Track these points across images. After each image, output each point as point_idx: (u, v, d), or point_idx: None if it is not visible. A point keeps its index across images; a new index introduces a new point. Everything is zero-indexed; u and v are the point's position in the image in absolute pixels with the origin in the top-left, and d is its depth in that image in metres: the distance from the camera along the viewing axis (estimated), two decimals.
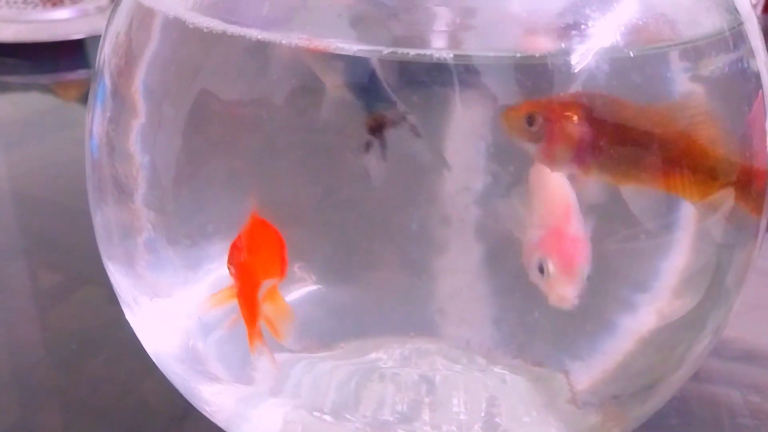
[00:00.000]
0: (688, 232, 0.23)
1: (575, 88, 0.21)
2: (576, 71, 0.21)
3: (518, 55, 0.21)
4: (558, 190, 0.21)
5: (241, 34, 0.21)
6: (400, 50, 0.20)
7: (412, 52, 0.20)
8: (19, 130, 0.61)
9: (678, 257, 0.23)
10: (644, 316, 0.24)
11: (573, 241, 0.21)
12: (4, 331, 0.38)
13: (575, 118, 0.20)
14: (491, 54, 0.21)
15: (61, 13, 0.77)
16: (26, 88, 0.72)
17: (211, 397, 0.26)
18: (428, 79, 0.21)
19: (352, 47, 0.21)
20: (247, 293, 0.22)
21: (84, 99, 0.24)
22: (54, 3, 0.78)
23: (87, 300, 0.40)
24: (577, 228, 0.21)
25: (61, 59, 0.74)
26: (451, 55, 0.21)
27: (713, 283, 0.24)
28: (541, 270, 0.21)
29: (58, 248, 0.45)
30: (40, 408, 0.32)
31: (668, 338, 0.24)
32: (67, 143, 0.57)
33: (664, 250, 0.23)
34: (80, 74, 0.73)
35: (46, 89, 0.72)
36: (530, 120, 0.20)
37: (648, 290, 0.23)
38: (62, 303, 0.40)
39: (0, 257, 0.44)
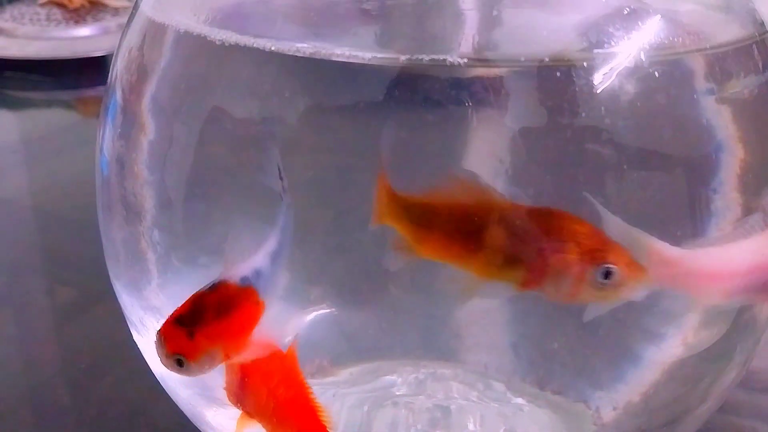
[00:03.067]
0: None
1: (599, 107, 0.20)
2: (598, 87, 0.20)
3: (538, 71, 0.20)
4: None
5: (254, 45, 0.21)
6: (417, 57, 0.20)
7: (426, 58, 0.20)
8: (41, 146, 0.62)
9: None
10: (670, 347, 0.23)
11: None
12: (19, 348, 0.38)
13: None
14: (510, 67, 0.21)
15: (83, 31, 0.78)
16: (48, 104, 0.72)
17: (216, 422, 0.26)
18: (444, 98, 0.21)
19: (366, 55, 0.20)
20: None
21: None
22: (76, 20, 0.79)
23: (101, 317, 0.40)
24: None
25: (82, 76, 0.75)
26: (465, 63, 0.20)
27: (741, 313, 0.23)
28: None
29: (75, 265, 0.45)
30: (50, 427, 0.32)
31: (695, 370, 0.24)
32: (88, 159, 0.57)
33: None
34: (101, 91, 0.73)
35: (67, 105, 0.72)
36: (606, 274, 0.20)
37: (674, 320, 0.23)
38: (76, 320, 0.40)
39: (18, 273, 0.44)
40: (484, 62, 0.21)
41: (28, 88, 0.73)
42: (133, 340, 0.27)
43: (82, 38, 0.77)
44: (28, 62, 0.73)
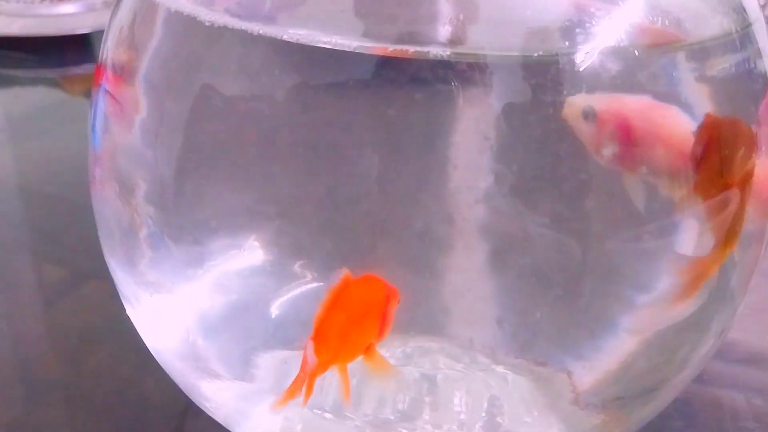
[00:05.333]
0: (692, 232, 0.23)
1: (580, 87, 0.21)
2: (581, 70, 0.21)
3: (522, 54, 0.21)
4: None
5: (243, 27, 0.21)
6: (404, 47, 0.20)
7: (412, 49, 0.20)
8: (26, 124, 0.61)
9: (682, 258, 0.23)
10: (648, 318, 0.24)
11: None
12: (8, 325, 0.38)
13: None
14: (496, 53, 0.21)
15: (68, 8, 0.77)
16: (33, 82, 0.72)
17: (211, 394, 0.26)
18: (431, 77, 0.21)
19: (352, 43, 0.21)
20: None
21: (90, 93, 0.24)
22: None
23: (91, 295, 0.40)
24: None
25: (67, 53, 0.74)
26: (448, 53, 0.20)
27: (718, 284, 0.24)
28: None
29: (63, 243, 0.45)
30: (42, 402, 0.33)
31: (672, 340, 0.24)
32: (74, 137, 0.57)
33: (668, 250, 0.23)
34: (86, 68, 0.73)
35: (52, 83, 0.72)
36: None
37: (652, 291, 0.23)
38: (66, 298, 0.41)
39: (5, 251, 0.44)
40: (468, 56, 0.21)
41: (12, 65, 0.72)
42: (124, 316, 0.27)
43: (67, 15, 0.76)
44: (13, 40, 0.72)
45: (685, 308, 0.24)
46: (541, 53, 0.21)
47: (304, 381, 0.21)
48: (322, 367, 0.21)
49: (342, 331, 0.21)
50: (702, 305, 0.24)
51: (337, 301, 0.21)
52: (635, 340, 0.24)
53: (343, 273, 0.21)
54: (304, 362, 0.21)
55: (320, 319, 0.21)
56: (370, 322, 0.21)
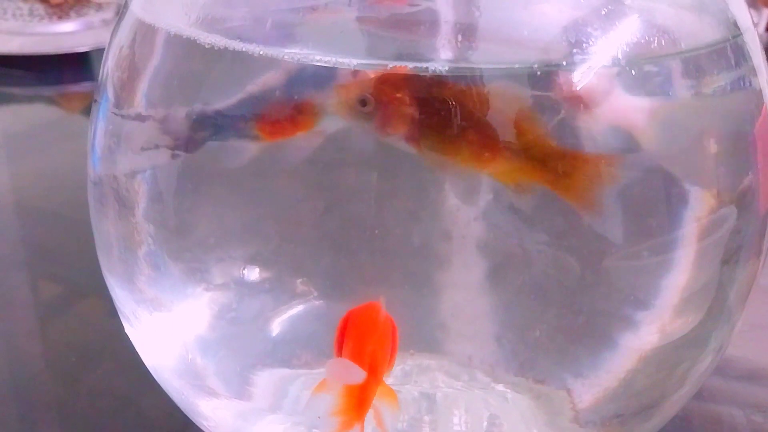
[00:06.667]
0: (690, 249, 0.23)
1: (578, 102, 0.21)
2: (577, 86, 0.21)
3: (520, 70, 0.21)
4: None
5: (243, 50, 0.21)
6: (403, 64, 0.20)
7: (411, 65, 0.20)
8: (23, 142, 0.62)
9: (680, 275, 0.23)
10: (646, 334, 0.24)
11: None
12: (4, 342, 0.38)
13: (405, 98, 0.21)
14: (494, 68, 0.21)
15: (67, 26, 0.77)
16: (30, 99, 0.72)
17: (209, 412, 0.26)
18: (429, 94, 0.21)
19: (352, 62, 0.21)
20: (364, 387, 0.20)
21: (88, 111, 0.24)
22: (60, 16, 0.79)
23: (87, 312, 0.40)
24: None
25: (65, 71, 0.74)
26: (447, 68, 0.21)
27: (716, 301, 0.24)
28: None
29: (60, 260, 0.45)
30: (38, 420, 0.32)
31: (670, 356, 0.24)
32: (71, 155, 0.57)
33: (666, 267, 0.23)
34: (84, 86, 0.74)
35: (50, 101, 0.72)
36: (362, 102, 0.21)
37: (650, 308, 0.23)
38: (62, 315, 0.40)
39: (1, 268, 0.44)
40: (467, 70, 0.21)
41: (11, 83, 0.73)
42: (121, 334, 0.27)
43: (65, 34, 0.77)
44: (11, 57, 0.72)
45: (682, 325, 0.24)
46: (538, 69, 0.21)
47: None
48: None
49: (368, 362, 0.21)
50: (700, 321, 0.24)
51: (360, 331, 0.21)
52: (634, 357, 0.24)
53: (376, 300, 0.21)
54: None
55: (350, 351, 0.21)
56: (386, 351, 0.21)
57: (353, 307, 0.21)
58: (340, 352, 0.21)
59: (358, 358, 0.20)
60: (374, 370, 0.21)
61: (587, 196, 0.21)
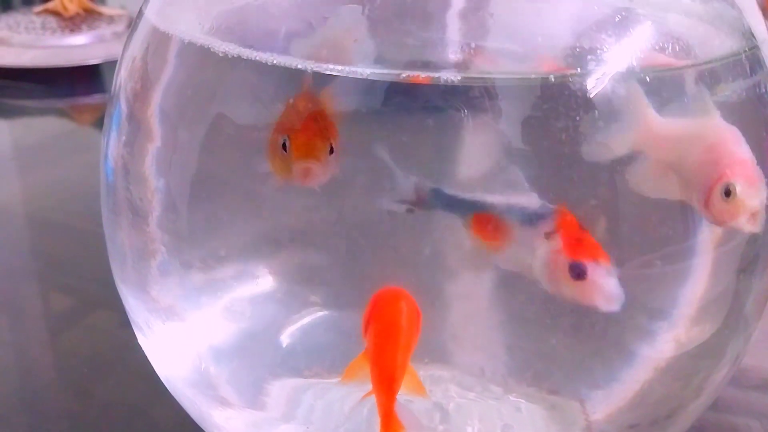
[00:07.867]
0: (706, 258, 0.23)
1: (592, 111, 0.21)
2: (591, 95, 0.21)
3: (532, 79, 0.21)
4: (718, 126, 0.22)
5: (257, 58, 0.21)
6: (416, 73, 0.20)
7: (423, 74, 0.20)
8: (35, 154, 0.62)
9: (696, 284, 0.23)
10: (662, 344, 0.23)
11: (748, 161, 0.22)
12: (16, 353, 0.38)
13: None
14: (506, 78, 0.21)
15: (78, 39, 0.78)
16: (42, 112, 0.73)
17: (222, 422, 0.26)
18: (441, 103, 0.21)
19: (365, 71, 0.21)
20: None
21: (99, 123, 0.25)
22: (72, 29, 0.79)
23: (98, 323, 0.40)
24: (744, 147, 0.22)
25: (77, 84, 0.75)
26: (459, 77, 0.21)
27: (732, 310, 0.24)
28: (727, 194, 0.21)
29: (71, 271, 0.45)
30: (50, 431, 0.32)
31: (686, 366, 0.24)
32: (82, 167, 0.58)
33: (682, 277, 0.23)
34: (96, 98, 0.74)
35: (62, 113, 0.73)
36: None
37: (665, 317, 0.23)
38: (74, 326, 0.40)
39: (13, 280, 0.44)
40: (479, 79, 0.21)
41: (23, 96, 0.73)
42: (133, 344, 0.27)
43: (77, 46, 0.77)
44: (23, 70, 0.73)
45: (698, 334, 0.24)
46: (551, 78, 0.21)
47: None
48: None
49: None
50: (716, 331, 0.24)
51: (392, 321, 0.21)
52: (649, 367, 0.24)
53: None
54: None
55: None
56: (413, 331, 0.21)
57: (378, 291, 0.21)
58: (366, 333, 0.21)
59: (385, 338, 0.21)
60: (405, 348, 0.21)
61: None
